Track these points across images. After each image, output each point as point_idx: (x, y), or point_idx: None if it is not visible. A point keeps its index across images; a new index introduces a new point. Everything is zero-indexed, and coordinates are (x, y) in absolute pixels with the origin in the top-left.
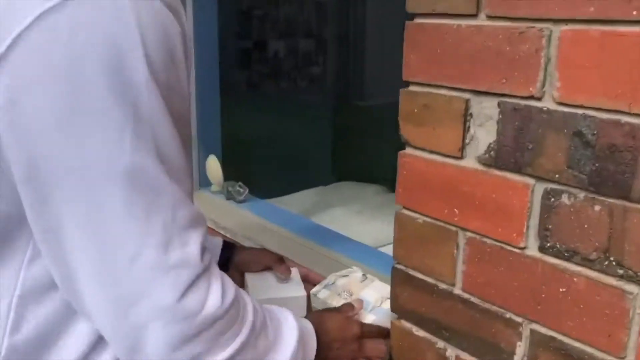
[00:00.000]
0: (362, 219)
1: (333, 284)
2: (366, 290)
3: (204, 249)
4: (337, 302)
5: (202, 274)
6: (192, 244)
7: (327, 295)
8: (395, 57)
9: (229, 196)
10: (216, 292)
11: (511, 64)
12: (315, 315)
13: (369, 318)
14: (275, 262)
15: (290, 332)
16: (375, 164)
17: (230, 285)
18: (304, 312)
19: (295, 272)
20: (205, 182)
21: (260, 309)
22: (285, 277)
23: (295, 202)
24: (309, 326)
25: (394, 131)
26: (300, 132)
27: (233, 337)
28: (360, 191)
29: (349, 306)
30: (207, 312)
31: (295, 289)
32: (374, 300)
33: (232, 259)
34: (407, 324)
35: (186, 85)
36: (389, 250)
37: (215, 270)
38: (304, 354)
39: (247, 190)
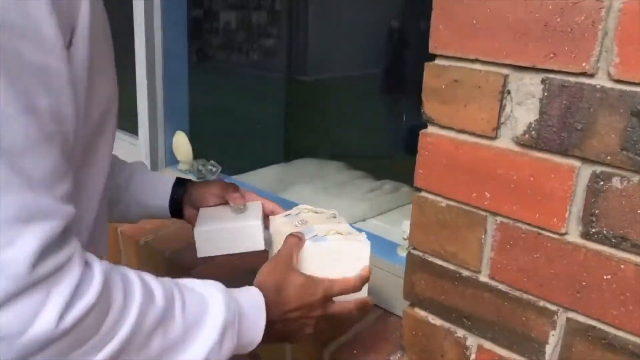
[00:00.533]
0: (329, 196)
1: (297, 215)
2: (322, 224)
3: (45, 252)
4: (285, 228)
5: (31, 285)
6: (22, 244)
7: (280, 222)
8: (337, 33)
9: (200, 175)
10: (53, 308)
11: (561, 37)
12: (274, 280)
13: (305, 245)
14: (228, 191)
15: (212, 321)
16: (327, 140)
17: (93, 287)
18: (260, 244)
19: (255, 205)
20: (171, 160)
21: (165, 299)
22: (238, 206)
23: (259, 180)
24: (255, 299)
25: (339, 106)
26: (253, 106)
27: (92, 352)
28: (322, 168)
29: (293, 238)
30: (33, 334)
31: (248, 218)
32: (320, 231)
33: (185, 195)
34: (421, 312)
35: (54, 28)
36: (362, 227)
37: (66, 275)
38: (238, 339)
39: (220, 168)
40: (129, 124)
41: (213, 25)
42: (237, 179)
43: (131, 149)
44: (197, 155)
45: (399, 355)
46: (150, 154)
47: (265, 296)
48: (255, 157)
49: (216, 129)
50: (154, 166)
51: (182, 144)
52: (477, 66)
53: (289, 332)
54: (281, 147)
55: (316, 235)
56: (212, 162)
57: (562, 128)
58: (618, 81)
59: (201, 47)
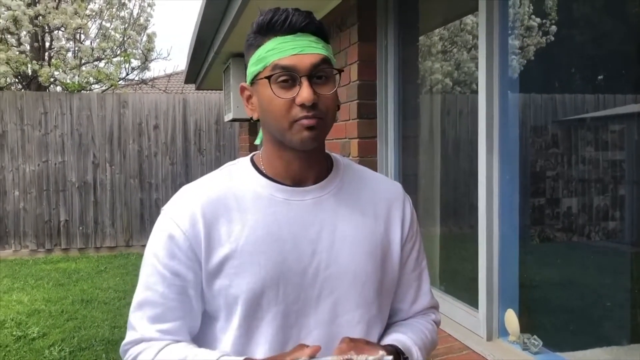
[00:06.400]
0: None
1: None
2: None
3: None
4: None
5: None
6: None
7: None
8: None
9: (525, 347)
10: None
11: None
12: None
13: None
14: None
15: None
16: None
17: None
18: None
19: None
20: (503, 332)
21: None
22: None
23: None
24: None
25: None
26: (595, 284)
27: None
28: None
29: (300, 347)
30: None
31: None
32: None
33: None
34: None
35: (172, 262)
36: None
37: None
38: None
39: (542, 343)
40: (471, 298)
41: (554, 210)
42: (562, 355)
43: (472, 319)
44: (526, 329)
45: None
46: (487, 325)
47: None
48: (590, 336)
49: (551, 305)
50: (489, 335)
51: (511, 320)
52: None
53: None
54: (624, 327)
55: None
56: (534, 336)
57: None
58: None
59: (541, 230)
